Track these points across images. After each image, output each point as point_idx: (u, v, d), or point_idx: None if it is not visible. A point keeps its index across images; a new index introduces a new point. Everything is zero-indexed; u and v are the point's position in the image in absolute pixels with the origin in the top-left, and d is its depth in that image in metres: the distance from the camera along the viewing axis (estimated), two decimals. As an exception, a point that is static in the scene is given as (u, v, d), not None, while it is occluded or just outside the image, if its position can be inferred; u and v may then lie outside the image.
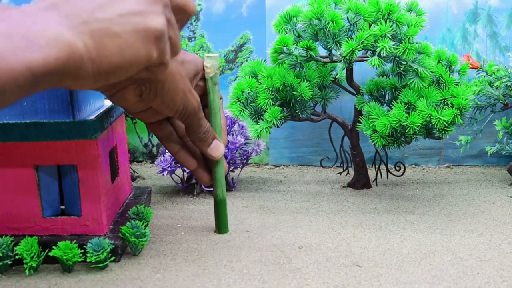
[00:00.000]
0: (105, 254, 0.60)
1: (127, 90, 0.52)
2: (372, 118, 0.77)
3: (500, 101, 0.88)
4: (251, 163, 1.03)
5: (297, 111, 0.82)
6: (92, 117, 0.61)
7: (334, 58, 0.79)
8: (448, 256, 0.63)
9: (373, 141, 0.77)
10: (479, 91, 0.87)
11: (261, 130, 0.79)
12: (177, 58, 0.55)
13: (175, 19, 0.41)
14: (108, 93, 0.54)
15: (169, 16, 0.39)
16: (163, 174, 0.85)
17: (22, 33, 0.30)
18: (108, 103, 0.68)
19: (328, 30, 0.76)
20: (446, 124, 0.75)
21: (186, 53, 0.58)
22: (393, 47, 0.73)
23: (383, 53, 0.73)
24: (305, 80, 0.80)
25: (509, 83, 0.86)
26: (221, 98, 0.64)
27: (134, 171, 0.98)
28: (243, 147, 0.88)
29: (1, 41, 0.29)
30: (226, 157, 0.85)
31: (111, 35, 0.34)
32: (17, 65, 0.29)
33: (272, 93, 0.79)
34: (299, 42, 0.78)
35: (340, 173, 0.95)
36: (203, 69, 0.60)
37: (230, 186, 0.89)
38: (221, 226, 0.71)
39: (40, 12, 0.33)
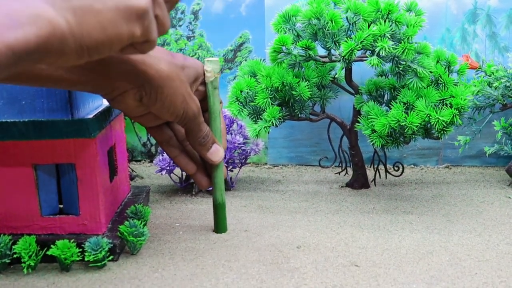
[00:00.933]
0: (103, 253, 0.60)
1: (127, 94, 0.52)
2: (371, 118, 0.77)
3: (499, 101, 0.88)
4: (250, 163, 1.03)
5: (296, 111, 0.82)
6: (91, 116, 0.61)
7: (333, 57, 0.79)
8: (446, 256, 0.63)
9: (371, 141, 0.77)
10: (478, 91, 0.87)
11: (259, 130, 0.79)
12: (177, 63, 0.55)
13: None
14: (109, 97, 0.53)
15: None
16: (161, 173, 0.85)
17: (2, 11, 0.30)
18: (106, 102, 0.68)
19: (327, 30, 0.76)
20: (445, 124, 0.75)
21: (186, 58, 0.57)
22: (392, 47, 0.73)
23: (382, 53, 0.73)
24: (304, 80, 0.79)
25: (508, 84, 0.86)
26: (221, 103, 0.63)
27: (132, 170, 0.98)
28: (241, 146, 0.88)
29: None
30: (224, 157, 0.85)
31: (93, 12, 0.34)
32: None
33: (271, 92, 0.79)
34: (298, 42, 0.78)
35: (339, 173, 0.95)
36: (204, 74, 0.60)
37: (229, 185, 0.89)
38: (219, 227, 0.70)
39: None
